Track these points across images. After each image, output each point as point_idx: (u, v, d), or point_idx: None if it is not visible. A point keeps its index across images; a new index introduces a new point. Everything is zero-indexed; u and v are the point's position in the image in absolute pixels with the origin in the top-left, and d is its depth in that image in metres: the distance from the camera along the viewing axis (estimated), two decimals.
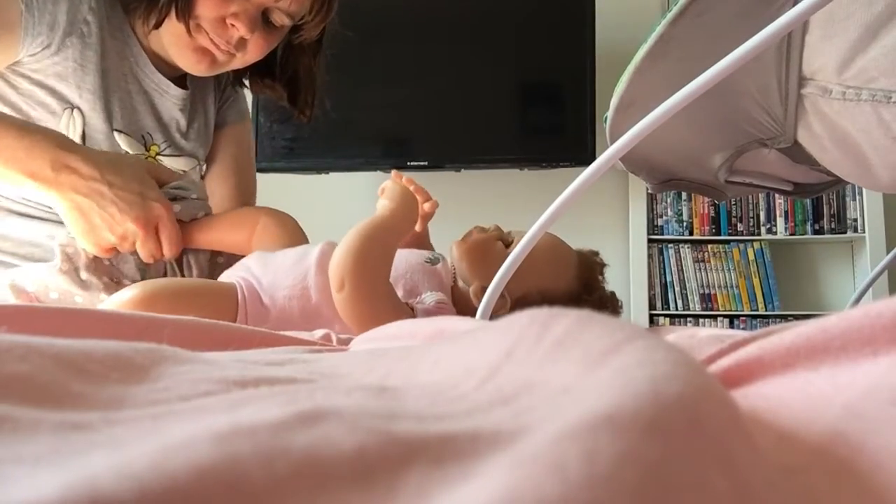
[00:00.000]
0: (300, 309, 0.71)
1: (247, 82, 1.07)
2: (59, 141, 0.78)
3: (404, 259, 0.76)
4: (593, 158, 0.49)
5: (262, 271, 0.75)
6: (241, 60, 0.93)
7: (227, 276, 0.78)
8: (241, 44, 0.90)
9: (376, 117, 2.32)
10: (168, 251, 0.82)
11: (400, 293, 0.72)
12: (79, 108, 0.89)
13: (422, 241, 0.88)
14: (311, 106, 1.07)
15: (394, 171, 0.88)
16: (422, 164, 2.28)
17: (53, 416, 0.15)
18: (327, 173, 2.36)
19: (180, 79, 1.00)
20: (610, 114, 0.65)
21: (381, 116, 2.33)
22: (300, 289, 0.73)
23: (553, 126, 2.35)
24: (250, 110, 1.20)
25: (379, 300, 0.65)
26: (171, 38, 0.89)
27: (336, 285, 0.65)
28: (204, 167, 1.10)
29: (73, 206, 0.77)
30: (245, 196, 1.11)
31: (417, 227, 0.82)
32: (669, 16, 0.55)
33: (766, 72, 0.58)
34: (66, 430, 0.14)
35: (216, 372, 0.21)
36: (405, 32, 2.32)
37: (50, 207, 0.89)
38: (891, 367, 0.16)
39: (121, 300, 0.69)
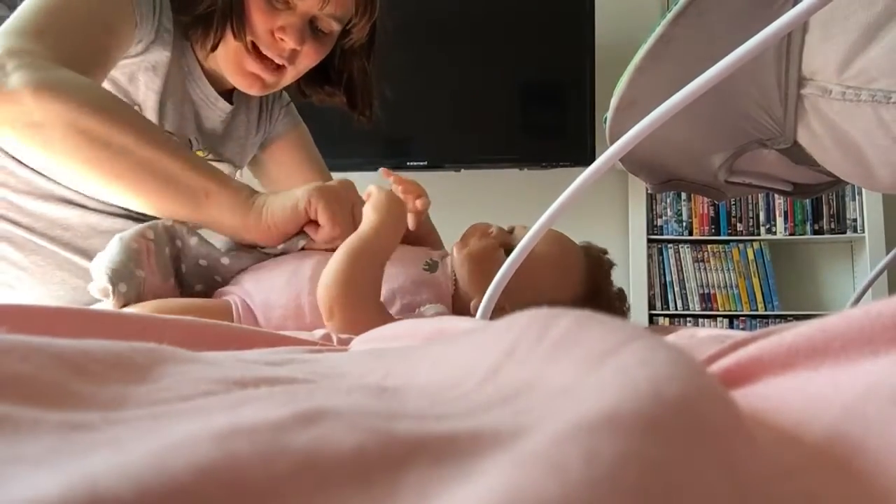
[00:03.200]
0: (295, 329, 0.71)
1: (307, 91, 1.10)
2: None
3: (402, 270, 0.74)
4: (593, 158, 0.49)
5: (256, 289, 0.75)
6: (294, 72, 0.95)
7: (221, 294, 0.78)
8: (294, 55, 0.92)
9: (376, 117, 2.32)
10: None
11: (397, 308, 0.71)
12: (139, 106, 0.91)
13: (421, 238, 0.86)
14: (369, 106, 1.12)
15: (382, 169, 0.88)
16: (421, 164, 2.28)
17: (54, 416, 0.15)
18: None
19: (228, 92, 1.04)
20: (610, 114, 0.65)
21: (381, 116, 2.33)
22: (294, 308, 0.72)
23: (553, 126, 2.35)
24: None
25: (370, 325, 0.65)
26: (224, 63, 0.92)
27: (326, 314, 0.65)
28: (240, 174, 1.13)
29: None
30: None
31: (411, 226, 0.81)
32: (669, 16, 0.55)
33: (766, 72, 0.58)
34: (66, 430, 0.14)
35: (217, 372, 0.21)
36: (404, 32, 2.31)
37: (90, 197, 0.90)
38: (891, 367, 0.16)
39: None
